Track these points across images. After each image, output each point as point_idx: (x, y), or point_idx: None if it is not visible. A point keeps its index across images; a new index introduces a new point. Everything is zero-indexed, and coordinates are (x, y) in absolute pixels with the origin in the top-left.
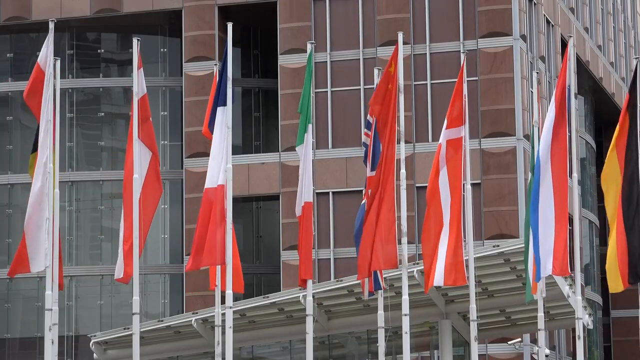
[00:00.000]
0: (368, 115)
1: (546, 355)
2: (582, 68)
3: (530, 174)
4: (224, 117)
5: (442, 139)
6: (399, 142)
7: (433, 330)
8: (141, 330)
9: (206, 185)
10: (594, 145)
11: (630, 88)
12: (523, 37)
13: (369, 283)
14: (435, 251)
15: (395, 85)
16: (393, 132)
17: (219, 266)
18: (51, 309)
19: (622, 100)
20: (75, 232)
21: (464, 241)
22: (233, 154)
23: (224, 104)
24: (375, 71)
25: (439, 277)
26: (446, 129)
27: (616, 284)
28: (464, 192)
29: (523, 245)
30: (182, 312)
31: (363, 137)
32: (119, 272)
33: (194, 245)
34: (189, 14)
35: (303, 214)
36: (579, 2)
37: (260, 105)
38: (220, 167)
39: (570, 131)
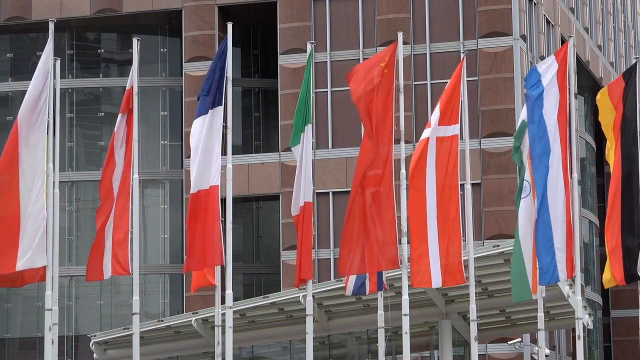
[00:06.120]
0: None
1: (546, 355)
2: (582, 68)
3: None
4: (215, 117)
5: (432, 134)
6: (398, 142)
7: (433, 330)
8: (141, 330)
9: (200, 187)
10: (594, 145)
11: (625, 75)
12: (523, 37)
13: (371, 282)
14: (422, 249)
15: (380, 83)
16: (390, 132)
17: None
18: (51, 309)
19: None
20: (75, 232)
21: (464, 241)
22: (233, 154)
23: (219, 104)
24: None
25: (436, 279)
26: (438, 125)
27: (610, 279)
28: (462, 192)
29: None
30: (182, 312)
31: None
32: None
33: (191, 247)
34: (189, 14)
35: (303, 213)
36: (579, 2)
37: (260, 105)
38: (212, 168)
39: (570, 131)
